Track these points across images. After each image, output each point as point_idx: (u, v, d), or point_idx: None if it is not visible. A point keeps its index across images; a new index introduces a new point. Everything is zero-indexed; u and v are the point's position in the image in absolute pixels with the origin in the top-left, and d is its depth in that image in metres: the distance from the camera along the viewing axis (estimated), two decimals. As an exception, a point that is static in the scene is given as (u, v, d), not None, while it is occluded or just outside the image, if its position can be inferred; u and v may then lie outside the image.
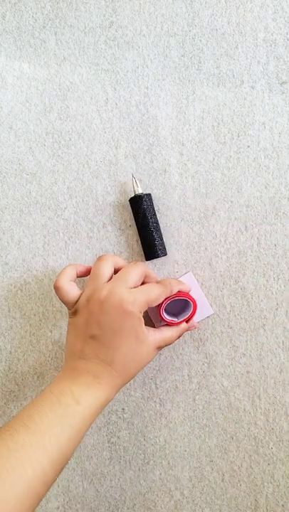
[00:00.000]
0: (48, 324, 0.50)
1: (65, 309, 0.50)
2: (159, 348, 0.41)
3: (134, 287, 0.40)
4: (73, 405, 0.36)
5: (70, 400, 0.36)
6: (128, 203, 0.49)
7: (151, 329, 0.41)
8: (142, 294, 0.39)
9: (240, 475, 0.48)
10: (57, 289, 0.41)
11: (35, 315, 0.50)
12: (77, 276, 0.44)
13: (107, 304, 0.38)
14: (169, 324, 0.44)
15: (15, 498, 0.30)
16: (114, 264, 0.42)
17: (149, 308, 0.40)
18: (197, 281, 0.48)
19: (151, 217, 0.47)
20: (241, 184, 0.49)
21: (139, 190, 0.48)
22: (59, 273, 0.43)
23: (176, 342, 0.49)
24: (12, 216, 0.50)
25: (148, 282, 0.43)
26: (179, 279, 0.48)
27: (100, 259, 0.42)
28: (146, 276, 0.42)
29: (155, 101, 0.50)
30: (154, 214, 0.47)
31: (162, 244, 0.47)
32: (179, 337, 0.44)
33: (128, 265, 0.42)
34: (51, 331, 0.50)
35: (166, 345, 0.42)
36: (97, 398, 0.37)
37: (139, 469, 0.49)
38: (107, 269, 0.41)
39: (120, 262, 0.43)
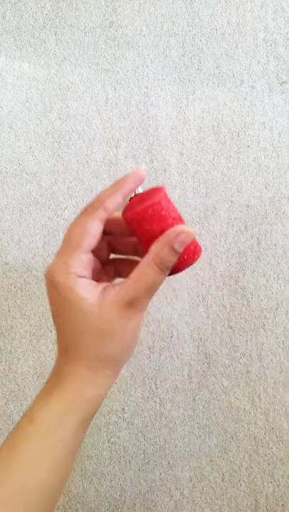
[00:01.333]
0: (48, 324, 0.50)
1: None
2: (133, 304, 0.28)
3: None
4: (26, 426, 0.28)
5: (25, 421, 0.29)
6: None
7: (103, 288, 0.29)
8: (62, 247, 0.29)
9: (240, 475, 0.48)
10: None
11: (35, 315, 0.50)
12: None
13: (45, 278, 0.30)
14: None
15: None
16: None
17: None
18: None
19: None
20: (241, 184, 0.49)
21: (139, 190, 0.48)
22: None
23: (175, 342, 0.49)
24: (12, 216, 0.50)
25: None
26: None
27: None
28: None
29: (155, 101, 0.50)
30: None
31: None
32: (167, 267, 0.28)
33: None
34: (51, 331, 0.50)
35: (147, 295, 0.28)
36: (51, 407, 0.28)
37: (139, 469, 0.49)
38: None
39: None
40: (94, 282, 0.29)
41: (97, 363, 0.29)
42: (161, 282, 0.28)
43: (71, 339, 0.29)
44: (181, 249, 0.28)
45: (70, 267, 0.28)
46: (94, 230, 0.28)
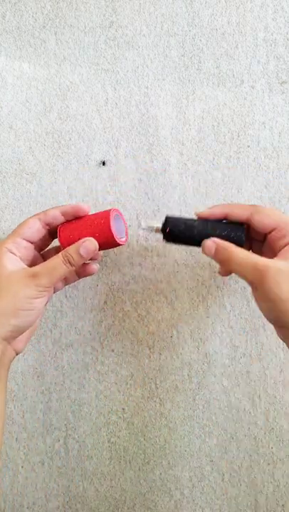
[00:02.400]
0: (48, 324, 0.50)
1: (65, 309, 0.50)
2: (37, 277, 0.37)
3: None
4: None
5: None
6: (129, 202, 0.49)
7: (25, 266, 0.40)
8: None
9: (240, 475, 0.48)
10: None
11: (35, 315, 0.50)
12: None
13: None
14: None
15: None
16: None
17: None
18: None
19: (193, 223, 0.40)
20: (241, 184, 0.49)
21: (156, 224, 0.41)
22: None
23: (175, 342, 0.49)
24: (12, 216, 0.50)
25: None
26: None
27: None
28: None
29: (155, 101, 0.50)
30: (190, 219, 0.40)
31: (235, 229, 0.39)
32: (74, 264, 0.38)
33: None
34: (51, 331, 0.50)
35: (51, 274, 0.37)
36: None
37: (139, 469, 0.49)
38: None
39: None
40: (19, 260, 0.39)
41: (7, 324, 0.36)
42: (63, 271, 0.37)
43: None
44: (84, 253, 0.38)
45: (5, 244, 0.39)
46: (31, 224, 0.40)
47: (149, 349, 0.49)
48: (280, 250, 0.35)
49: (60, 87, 0.50)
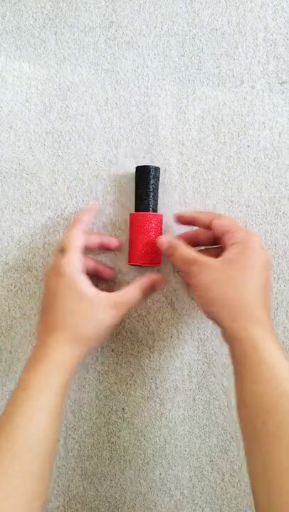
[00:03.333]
0: (48, 324, 0.50)
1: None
2: (118, 307, 0.40)
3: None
4: (20, 394, 0.36)
5: (18, 390, 0.36)
6: (129, 202, 0.49)
7: (104, 291, 0.41)
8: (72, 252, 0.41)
9: (240, 475, 0.48)
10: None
11: (35, 315, 0.50)
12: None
13: (46, 273, 0.44)
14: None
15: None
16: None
17: None
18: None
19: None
20: (241, 184, 0.49)
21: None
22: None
23: (175, 342, 0.49)
24: (12, 216, 0.50)
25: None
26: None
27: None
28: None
29: (155, 101, 0.50)
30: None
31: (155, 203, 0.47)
32: (145, 295, 0.43)
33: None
34: (51, 331, 0.50)
35: (128, 305, 0.41)
36: (40, 373, 0.37)
37: (139, 469, 0.49)
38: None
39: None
40: (88, 279, 0.41)
41: (74, 339, 0.38)
42: (139, 302, 0.41)
43: (62, 318, 0.39)
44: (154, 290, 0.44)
45: (75, 263, 0.40)
46: (79, 236, 0.42)
47: (149, 349, 0.49)
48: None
49: (60, 87, 0.50)
